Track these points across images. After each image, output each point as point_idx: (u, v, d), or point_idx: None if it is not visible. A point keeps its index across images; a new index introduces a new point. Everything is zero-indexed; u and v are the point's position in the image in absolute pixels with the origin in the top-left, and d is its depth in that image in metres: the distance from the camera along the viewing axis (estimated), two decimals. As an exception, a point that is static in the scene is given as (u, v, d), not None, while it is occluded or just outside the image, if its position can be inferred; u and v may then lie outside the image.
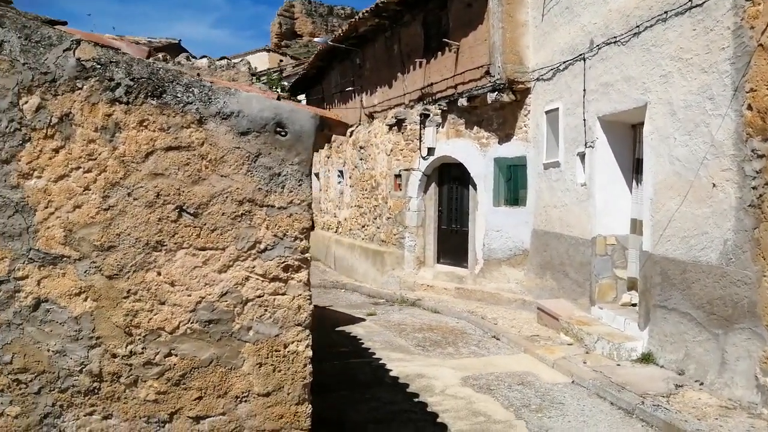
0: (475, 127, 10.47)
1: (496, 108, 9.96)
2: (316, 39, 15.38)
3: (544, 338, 7.49)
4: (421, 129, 11.54)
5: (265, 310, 2.78)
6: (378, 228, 13.34)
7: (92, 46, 2.51)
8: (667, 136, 5.81)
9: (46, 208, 2.49)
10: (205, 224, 2.67)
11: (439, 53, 11.03)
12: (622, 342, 6.32)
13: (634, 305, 7.27)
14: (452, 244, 11.51)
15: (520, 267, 9.94)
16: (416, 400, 5.34)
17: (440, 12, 11.08)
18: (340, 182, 16.32)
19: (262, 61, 34.99)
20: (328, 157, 17.14)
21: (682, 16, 5.52)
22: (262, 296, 2.77)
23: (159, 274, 2.63)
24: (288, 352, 2.82)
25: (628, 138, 7.31)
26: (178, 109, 2.61)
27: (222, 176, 2.67)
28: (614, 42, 6.75)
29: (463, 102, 10.30)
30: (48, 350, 2.52)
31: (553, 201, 8.75)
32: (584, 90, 7.49)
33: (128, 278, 2.59)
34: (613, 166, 7.35)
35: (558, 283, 8.61)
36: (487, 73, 9.66)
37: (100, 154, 2.54)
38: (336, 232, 16.50)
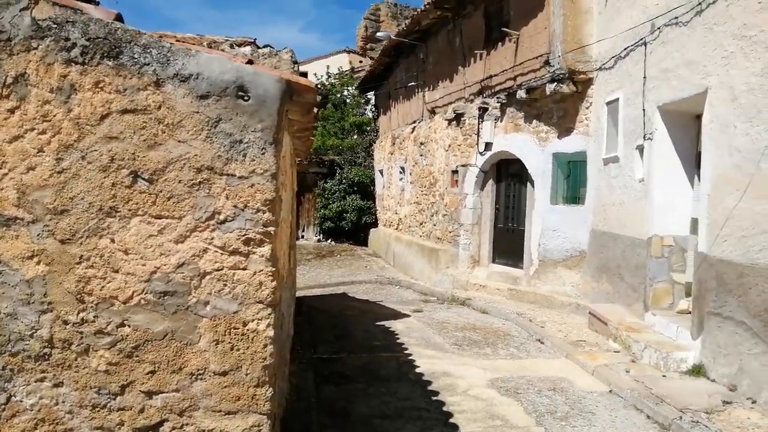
0: (534, 121, 9.99)
1: (556, 100, 9.44)
2: (378, 34, 15.22)
3: (591, 344, 6.98)
4: (479, 123, 11.17)
5: (224, 285, 2.64)
6: (434, 225, 13.06)
7: (50, 5, 2.46)
8: (726, 124, 5.21)
9: (0, 168, 2.47)
10: (161, 191, 2.56)
11: (500, 44, 10.61)
12: (671, 351, 5.75)
13: (690, 312, 6.63)
14: (508, 244, 11.05)
15: (576, 269, 9.37)
16: (434, 398, 5.07)
17: (501, 1, 10.66)
18: (401, 179, 16.15)
19: (342, 62, 35.50)
20: (392, 154, 17.01)
21: (747, -12, 4.94)
22: (221, 270, 2.63)
23: (113, 241, 2.55)
24: (247, 330, 2.67)
25: (690, 129, 6.66)
26: (134, 71, 2.52)
27: (179, 142, 2.56)
28: (675, 23, 6.16)
29: (521, 94, 9.84)
30: (-1, 312, 2.50)
31: (611, 199, 8.16)
32: (644, 77, 6.91)
33: (81, 243, 2.53)
34: (674, 160, 6.72)
35: (613, 287, 8.03)
36: (547, 62, 9.16)
37: (54, 116, 2.49)
38: (397, 228, 16.35)
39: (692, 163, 6.69)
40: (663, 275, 6.81)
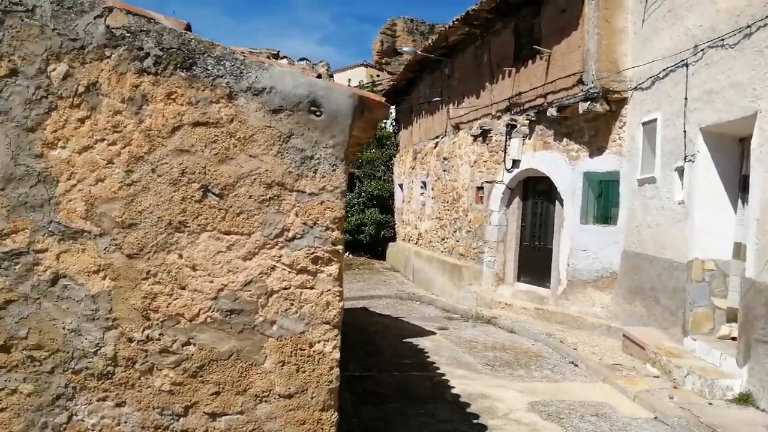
0: (565, 139, 9.88)
1: (588, 119, 9.34)
2: (404, 49, 15.22)
3: (628, 368, 6.81)
4: (506, 140, 11.08)
5: (291, 304, 2.55)
6: (457, 241, 12.94)
7: (124, 13, 2.41)
8: (779, 147, 5.10)
9: (69, 179, 2.40)
10: (230, 207, 2.49)
11: (530, 61, 10.55)
12: (716, 379, 5.58)
13: (733, 339, 6.44)
14: (534, 262, 10.89)
15: (606, 290, 9.20)
16: (475, 421, 4.94)
17: (533, 19, 10.61)
18: (422, 193, 16.06)
19: (360, 76, 35.69)
20: (413, 168, 16.95)
21: (803, 10, 4.84)
22: (289, 288, 2.55)
23: (180, 256, 2.48)
24: (314, 351, 2.58)
25: (733, 152, 6.53)
26: (207, 83, 2.46)
27: (251, 156, 2.49)
28: (721, 45, 6.06)
29: (552, 112, 9.75)
30: (63, 328, 2.42)
31: (646, 220, 8.02)
32: (686, 99, 6.80)
33: (148, 259, 2.46)
34: (716, 183, 6.59)
35: (648, 309, 7.86)
36: (580, 81, 9.08)
37: (125, 127, 2.43)
38: (416, 243, 16.23)
39: (735, 187, 6.55)
40: (704, 300, 6.65)
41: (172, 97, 2.45)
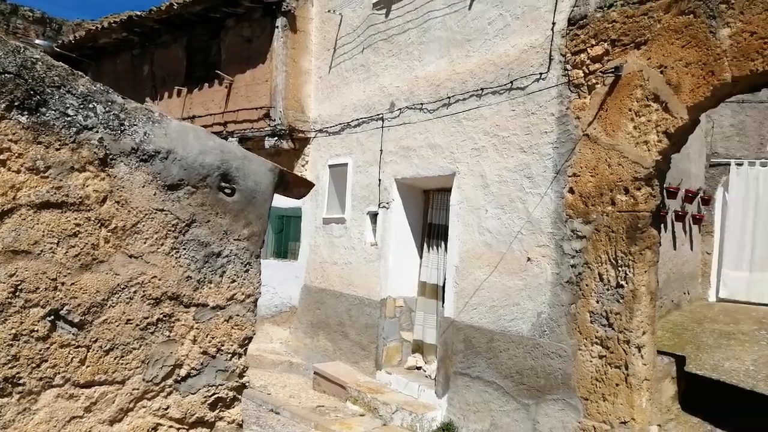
0: (244, 171, 9.61)
1: (271, 154, 9.30)
2: (37, 41, 12.60)
3: (331, 408, 6.95)
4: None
5: (177, 476, 1.71)
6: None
7: None
8: (477, 207, 5.98)
9: None
10: (95, 342, 1.53)
11: (206, 84, 9.96)
12: (424, 412, 6.17)
13: (419, 368, 7.27)
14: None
15: (285, 325, 9.28)
16: None
17: (210, 40, 10.07)
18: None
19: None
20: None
21: (499, 95, 5.81)
22: (175, 453, 1.70)
23: (-1, 439, 1.39)
24: None
25: (421, 202, 7.43)
26: (66, 137, 1.47)
27: (131, 257, 1.59)
28: (420, 108, 6.82)
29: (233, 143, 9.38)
30: None
31: (333, 258, 8.40)
32: (381, 150, 7.41)
33: (-69, 457, 1.31)
34: (406, 229, 7.36)
35: (334, 344, 8.21)
36: (267, 116, 9.00)
37: None
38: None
39: (421, 232, 7.43)
40: (395, 334, 7.30)
41: (3, 156, 1.37)
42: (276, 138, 8.89)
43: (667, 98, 4.45)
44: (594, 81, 4.95)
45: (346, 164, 8.13)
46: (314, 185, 2.30)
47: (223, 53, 9.79)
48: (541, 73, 5.40)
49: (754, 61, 3.98)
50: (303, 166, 9.22)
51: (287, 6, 8.85)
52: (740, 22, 4.05)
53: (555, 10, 5.32)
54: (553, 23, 5.33)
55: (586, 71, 5.03)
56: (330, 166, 8.53)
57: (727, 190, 10.77)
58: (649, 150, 4.56)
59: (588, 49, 5.02)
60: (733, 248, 10.62)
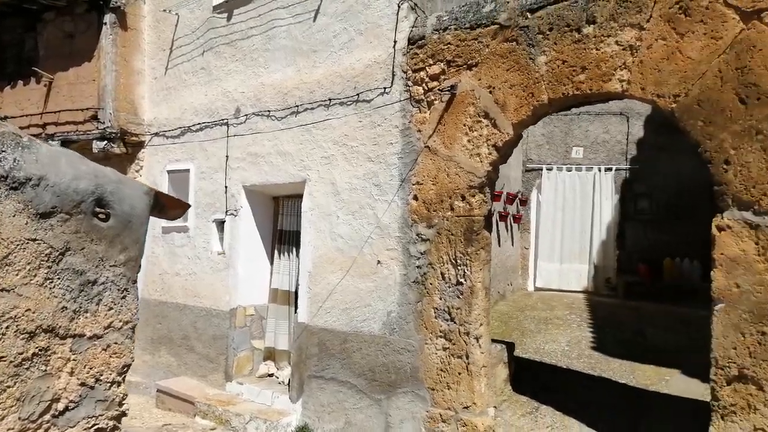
0: (69, 178, 8.83)
1: (100, 158, 8.65)
2: None
3: (179, 426, 6.70)
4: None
5: None
6: None
7: None
8: (329, 213, 6.16)
9: None
10: (-24, 381, 1.45)
11: (21, 82, 8.99)
12: (278, 419, 6.21)
13: (271, 375, 7.28)
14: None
15: (122, 341, 8.70)
16: None
17: (25, 33, 9.10)
18: None
19: None
20: None
21: (347, 106, 6.04)
22: (63, 489, 1.65)
23: None
24: None
25: (270, 209, 7.43)
26: (-58, 167, 1.38)
27: (3, 290, 1.54)
28: (267, 116, 6.84)
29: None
30: None
31: (174, 268, 8.06)
32: (227, 156, 7.29)
33: None
34: (256, 236, 7.32)
35: (179, 359, 7.90)
36: (95, 117, 8.38)
37: None
38: None
39: (271, 240, 7.43)
40: (246, 344, 7.24)
41: None
42: (106, 141, 8.33)
43: (496, 116, 5.01)
44: (433, 97, 5.39)
45: (187, 170, 7.86)
46: (190, 206, 2.31)
47: (41, 48, 8.92)
48: (385, 88, 5.74)
49: (565, 86, 4.64)
50: (137, 171, 8.73)
51: (116, 2, 8.32)
52: (554, 51, 4.70)
53: (396, 29, 5.69)
54: (395, 41, 5.69)
55: (426, 88, 5.45)
56: (169, 172, 8.18)
57: (540, 192, 12.22)
58: (481, 161, 5.09)
59: (427, 68, 5.45)
60: (546, 243, 12.07)
